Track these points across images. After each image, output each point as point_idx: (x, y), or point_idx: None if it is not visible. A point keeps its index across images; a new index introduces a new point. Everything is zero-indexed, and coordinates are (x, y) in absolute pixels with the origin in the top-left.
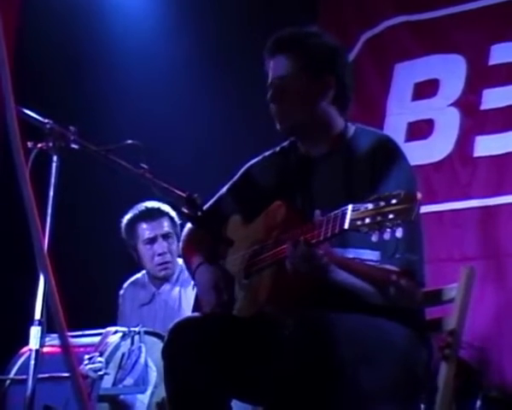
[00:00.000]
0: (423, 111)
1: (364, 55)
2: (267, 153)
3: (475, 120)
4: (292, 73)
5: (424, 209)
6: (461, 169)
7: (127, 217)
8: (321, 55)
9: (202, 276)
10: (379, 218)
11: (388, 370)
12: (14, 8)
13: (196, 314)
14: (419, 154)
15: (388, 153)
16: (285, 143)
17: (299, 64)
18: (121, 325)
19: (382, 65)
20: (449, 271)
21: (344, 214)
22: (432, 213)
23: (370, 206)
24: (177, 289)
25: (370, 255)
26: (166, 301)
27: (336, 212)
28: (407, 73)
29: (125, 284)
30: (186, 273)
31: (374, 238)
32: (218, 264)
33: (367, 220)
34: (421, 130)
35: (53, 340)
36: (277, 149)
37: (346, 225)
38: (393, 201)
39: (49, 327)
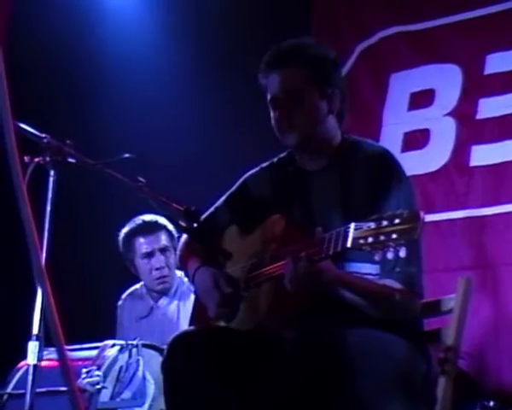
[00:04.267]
0: (419, 121)
1: (360, 65)
2: (265, 164)
3: (471, 130)
4: (304, 87)
5: None
6: (457, 179)
7: (124, 231)
8: (328, 67)
9: (201, 277)
10: (382, 237)
11: (387, 382)
12: (4, 20)
13: (195, 328)
14: (415, 164)
15: (386, 168)
16: (283, 155)
17: (309, 77)
18: (119, 338)
19: (378, 75)
20: (446, 281)
21: (346, 233)
22: (428, 224)
23: (373, 225)
24: (175, 302)
25: (370, 269)
26: (165, 314)
27: (339, 230)
28: (403, 83)
29: (124, 296)
30: (184, 286)
31: (377, 257)
32: (217, 267)
33: (370, 240)
34: (417, 140)
35: (51, 354)
36: (275, 160)
37: (349, 244)
38: (396, 220)
39: (47, 341)
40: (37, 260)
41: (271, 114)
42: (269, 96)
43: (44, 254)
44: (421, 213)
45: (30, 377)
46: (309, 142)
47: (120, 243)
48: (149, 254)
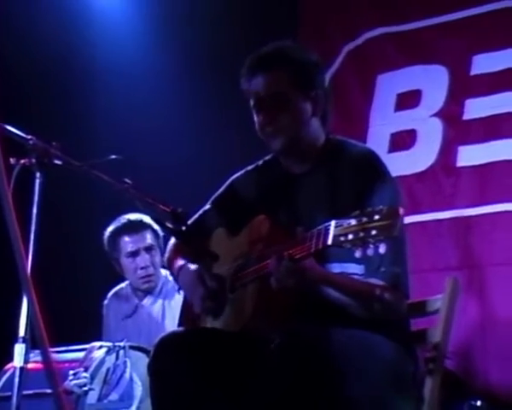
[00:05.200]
0: (406, 122)
1: (347, 66)
2: (250, 167)
3: (458, 130)
4: (289, 90)
5: (408, 220)
6: (444, 179)
7: (109, 229)
8: (310, 70)
9: (185, 275)
10: (362, 234)
11: (375, 383)
12: None
13: (181, 329)
14: (402, 164)
15: (371, 168)
16: (268, 157)
17: (292, 80)
18: (106, 339)
19: (365, 76)
20: (433, 281)
21: (327, 230)
22: (415, 224)
23: (353, 222)
24: (160, 301)
25: (355, 269)
26: (150, 313)
27: (319, 228)
28: (389, 84)
29: (109, 295)
30: (169, 285)
31: (357, 254)
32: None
33: (350, 236)
34: (404, 140)
35: (38, 356)
36: (260, 162)
37: (330, 241)
38: (376, 217)
39: (33, 343)
40: (22, 266)
41: (255, 119)
42: (252, 101)
43: (31, 257)
44: (401, 210)
45: (16, 380)
46: (294, 145)
47: (105, 241)
48: (134, 253)
